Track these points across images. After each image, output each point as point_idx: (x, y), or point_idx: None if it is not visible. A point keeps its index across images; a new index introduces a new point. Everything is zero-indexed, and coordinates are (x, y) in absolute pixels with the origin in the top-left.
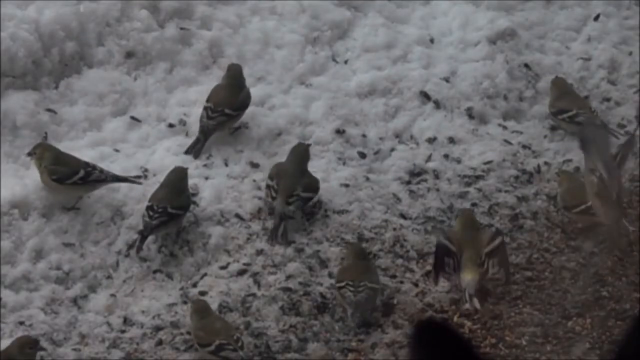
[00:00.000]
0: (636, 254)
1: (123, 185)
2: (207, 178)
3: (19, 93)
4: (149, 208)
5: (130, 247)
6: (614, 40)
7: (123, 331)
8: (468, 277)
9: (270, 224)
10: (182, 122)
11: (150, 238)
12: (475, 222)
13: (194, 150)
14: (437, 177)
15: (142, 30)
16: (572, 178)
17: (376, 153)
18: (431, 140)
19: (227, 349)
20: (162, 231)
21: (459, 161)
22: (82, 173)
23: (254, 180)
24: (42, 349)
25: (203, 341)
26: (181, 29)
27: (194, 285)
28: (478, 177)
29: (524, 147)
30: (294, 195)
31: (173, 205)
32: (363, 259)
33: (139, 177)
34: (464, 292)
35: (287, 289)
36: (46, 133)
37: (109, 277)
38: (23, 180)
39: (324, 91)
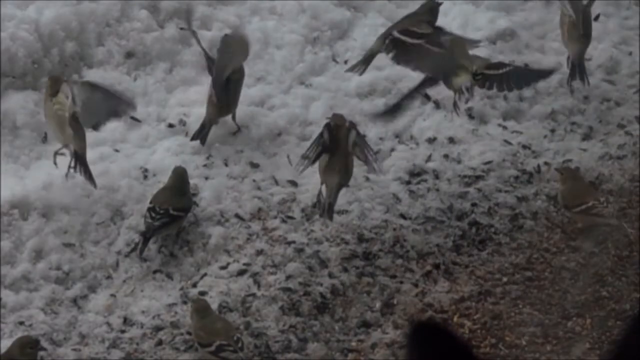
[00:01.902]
0: (636, 254)
1: (123, 185)
2: (207, 178)
3: (19, 93)
4: (151, 210)
5: (132, 249)
6: (614, 40)
7: (123, 331)
8: (460, 79)
9: None
10: (182, 122)
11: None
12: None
13: (200, 136)
14: (437, 177)
15: (142, 30)
16: (575, 176)
17: (376, 153)
18: (431, 140)
19: (227, 350)
20: (164, 233)
21: (459, 161)
22: None
23: (254, 180)
24: (43, 348)
25: (203, 341)
26: (181, 29)
27: (194, 285)
28: (478, 177)
29: (524, 147)
30: None
31: (175, 206)
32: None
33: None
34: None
35: (287, 289)
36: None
37: (109, 277)
38: (23, 180)
39: (324, 91)
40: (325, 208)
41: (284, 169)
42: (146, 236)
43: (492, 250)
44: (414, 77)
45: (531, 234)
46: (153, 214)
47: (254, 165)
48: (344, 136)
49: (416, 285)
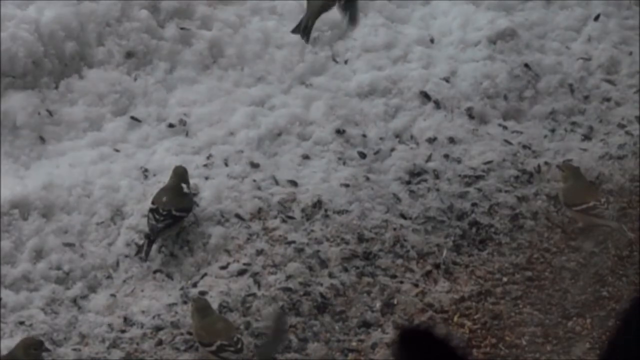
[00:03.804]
0: (636, 254)
1: (123, 185)
2: (207, 178)
3: (19, 93)
4: (154, 211)
5: (137, 252)
6: (614, 40)
7: (123, 331)
8: None
9: None
10: (182, 122)
11: None
12: None
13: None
14: (437, 177)
15: (142, 30)
16: (576, 174)
17: (376, 153)
18: (431, 140)
19: (228, 350)
20: (167, 234)
21: (459, 161)
22: None
23: (254, 180)
24: (47, 349)
25: (204, 340)
26: (181, 29)
27: (194, 285)
28: (478, 177)
29: (524, 147)
30: None
31: (177, 207)
32: None
33: None
34: None
35: (287, 289)
36: (41, 137)
37: (109, 277)
38: (23, 180)
39: (324, 91)
40: (302, 27)
41: (284, 169)
42: (150, 239)
43: (492, 250)
44: (414, 77)
45: (531, 234)
46: (157, 216)
47: (254, 165)
48: None
49: (416, 285)
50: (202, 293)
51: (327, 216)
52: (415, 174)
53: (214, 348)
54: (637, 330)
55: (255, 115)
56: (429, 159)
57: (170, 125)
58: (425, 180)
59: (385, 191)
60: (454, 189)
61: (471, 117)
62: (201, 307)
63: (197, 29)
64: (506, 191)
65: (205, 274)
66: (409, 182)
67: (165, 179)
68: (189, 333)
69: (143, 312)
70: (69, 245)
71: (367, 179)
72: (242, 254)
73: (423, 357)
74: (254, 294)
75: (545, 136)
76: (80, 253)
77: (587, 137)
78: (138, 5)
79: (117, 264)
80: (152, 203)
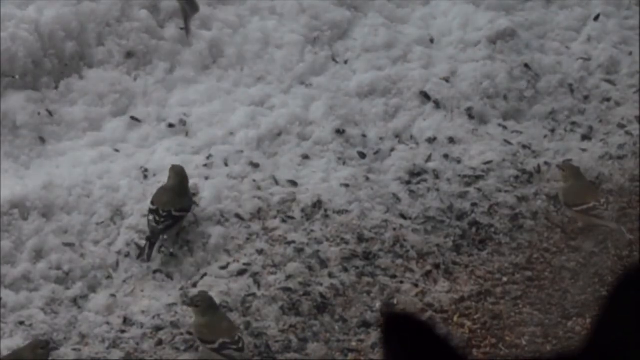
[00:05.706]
0: (636, 254)
1: (123, 185)
2: (207, 178)
3: (19, 93)
4: (154, 212)
5: (139, 255)
6: (614, 40)
7: (123, 331)
8: None
9: None
10: (182, 122)
11: None
12: None
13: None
14: (437, 177)
15: (142, 30)
16: (577, 174)
17: (376, 153)
18: (431, 140)
19: (231, 348)
20: (167, 235)
21: (459, 161)
22: None
23: (254, 180)
24: (55, 348)
25: (206, 338)
26: (181, 29)
27: (194, 285)
28: (478, 177)
29: (524, 147)
30: None
31: (177, 208)
32: None
33: None
34: None
35: (287, 289)
36: (41, 137)
37: (109, 277)
38: (23, 180)
39: (324, 91)
40: None
41: (284, 169)
42: (152, 241)
43: (492, 250)
44: (414, 77)
45: (531, 234)
46: (157, 217)
47: (254, 165)
48: None
49: (416, 285)
50: None
51: (327, 216)
52: (415, 174)
53: (216, 346)
54: (626, 307)
55: (255, 115)
56: (429, 159)
57: (170, 125)
58: (425, 180)
59: (385, 191)
60: (454, 189)
61: (471, 117)
62: (208, 305)
63: (197, 29)
64: (506, 191)
65: (205, 274)
66: (409, 182)
67: (165, 179)
68: (189, 333)
69: (143, 312)
70: (69, 245)
71: (367, 179)
72: (242, 254)
73: (411, 343)
74: (254, 294)
75: (545, 136)
76: (80, 253)
77: (587, 137)
78: (138, 5)
79: (117, 264)
80: (152, 203)
